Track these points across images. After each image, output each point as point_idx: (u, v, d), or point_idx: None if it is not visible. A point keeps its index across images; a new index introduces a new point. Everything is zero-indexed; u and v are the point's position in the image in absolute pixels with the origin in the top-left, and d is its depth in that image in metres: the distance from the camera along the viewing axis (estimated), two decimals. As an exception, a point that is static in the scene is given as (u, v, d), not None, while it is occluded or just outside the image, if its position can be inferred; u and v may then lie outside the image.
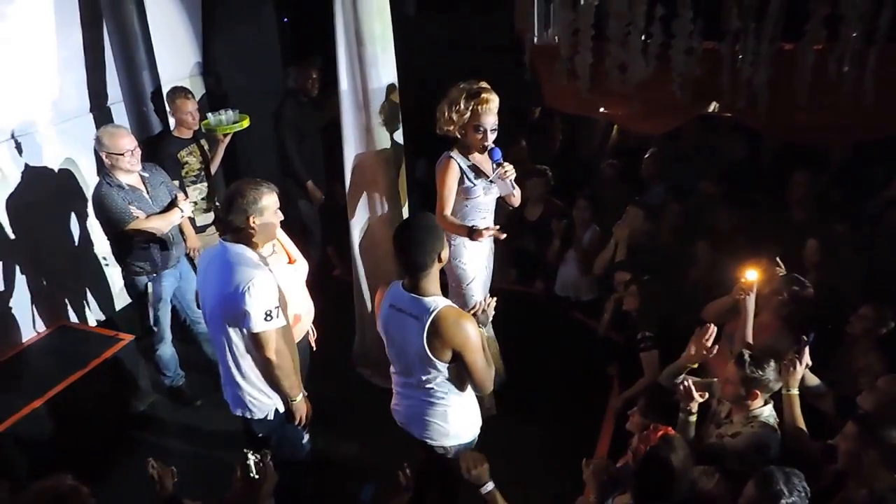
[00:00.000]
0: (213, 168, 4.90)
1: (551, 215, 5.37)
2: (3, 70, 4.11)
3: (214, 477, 3.53)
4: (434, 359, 2.67)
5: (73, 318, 4.84)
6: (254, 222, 2.84)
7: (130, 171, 3.93)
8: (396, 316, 2.74)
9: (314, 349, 3.76)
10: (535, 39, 4.57)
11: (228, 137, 4.80)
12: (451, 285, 3.91)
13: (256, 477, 2.67)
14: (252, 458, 2.70)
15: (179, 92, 4.68)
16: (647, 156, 5.49)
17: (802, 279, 3.56)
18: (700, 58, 4.77)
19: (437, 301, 2.66)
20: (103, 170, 3.92)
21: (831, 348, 3.55)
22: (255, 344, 2.87)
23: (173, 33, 5.39)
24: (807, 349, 3.00)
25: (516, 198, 3.75)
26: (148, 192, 4.03)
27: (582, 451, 3.84)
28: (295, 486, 3.22)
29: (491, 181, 3.67)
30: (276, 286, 2.87)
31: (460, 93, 3.51)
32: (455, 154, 3.66)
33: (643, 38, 4.87)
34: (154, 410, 4.57)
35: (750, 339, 3.41)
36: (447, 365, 2.71)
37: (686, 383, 3.08)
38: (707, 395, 3.10)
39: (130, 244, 4.00)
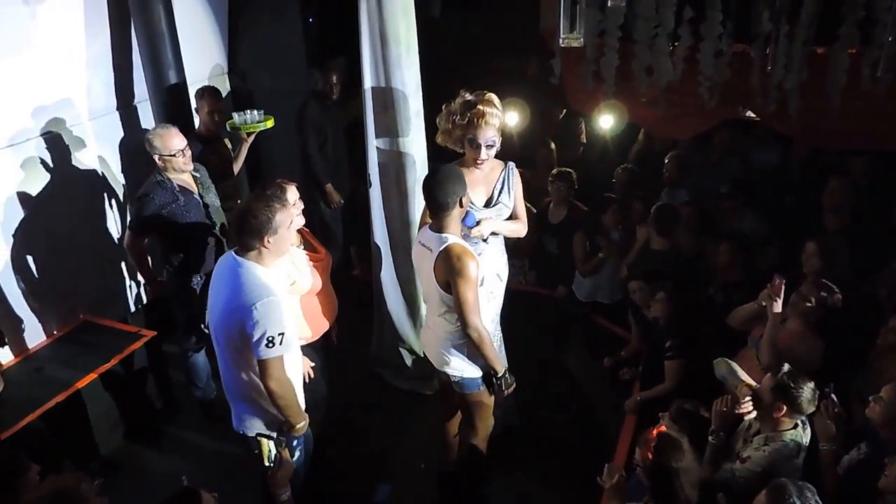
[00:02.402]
0: (237, 167, 4.93)
1: (575, 218, 5.31)
2: (33, 69, 4.16)
3: (234, 470, 3.57)
4: (440, 289, 3.06)
5: (96, 314, 4.89)
6: (268, 241, 2.79)
7: (183, 171, 3.95)
8: (422, 251, 3.15)
9: (335, 343, 3.75)
10: (561, 41, 4.51)
11: (252, 137, 4.82)
12: None
13: (270, 465, 2.68)
14: (267, 446, 2.70)
15: (207, 91, 4.72)
16: (667, 159, 5.39)
17: (831, 285, 3.47)
18: (729, 61, 4.69)
19: (450, 238, 3.03)
20: (155, 170, 3.93)
21: (859, 360, 3.46)
22: (259, 369, 2.81)
23: (199, 33, 5.43)
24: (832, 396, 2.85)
25: (512, 234, 3.56)
26: (199, 193, 4.05)
27: (601, 455, 3.82)
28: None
29: (493, 193, 3.47)
30: (284, 310, 2.79)
31: (460, 103, 3.32)
32: None
33: (671, 40, 4.79)
34: (177, 404, 4.62)
35: (776, 345, 3.34)
36: (450, 296, 3.02)
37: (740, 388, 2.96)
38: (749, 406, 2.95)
39: (179, 245, 3.99)
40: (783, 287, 3.33)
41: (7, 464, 2.91)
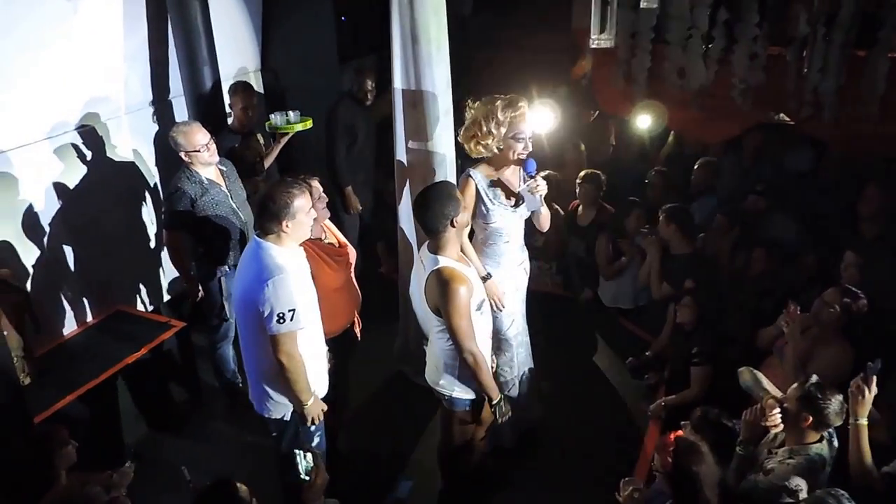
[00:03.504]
0: (267, 163, 4.98)
1: (602, 220, 5.27)
2: (72, 63, 4.26)
3: (258, 460, 3.61)
4: (429, 310, 3.00)
5: (128, 304, 4.98)
6: (286, 226, 2.85)
7: (209, 165, 4.01)
8: (419, 267, 3.11)
9: (358, 339, 3.78)
10: (593, 41, 4.48)
11: (287, 137, 4.87)
12: None
13: (306, 478, 2.71)
14: (302, 460, 2.73)
15: (240, 87, 4.78)
16: (697, 165, 5.31)
17: (855, 290, 3.41)
18: (763, 64, 4.62)
19: (441, 261, 2.93)
20: (182, 165, 3.99)
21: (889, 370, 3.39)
22: (271, 344, 2.87)
23: (234, 30, 5.51)
24: (874, 376, 2.84)
25: (544, 218, 3.61)
26: (226, 186, 4.11)
27: (624, 460, 3.79)
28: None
29: (520, 193, 3.51)
30: (297, 289, 2.84)
31: (494, 106, 3.34)
32: (475, 173, 3.51)
33: (704, 42, 4.75)
34: (203, 394, 4.69)
35: (800, 359, 3.33)
36: (441, 319, 2.96)
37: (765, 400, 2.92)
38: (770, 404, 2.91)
39: (206, 237, 4.04)
40: (798, 312, 3.35)
41: (47, 436, 3.02)
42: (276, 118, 4.76)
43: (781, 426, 2.86)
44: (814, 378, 2.78)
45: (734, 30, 4.60)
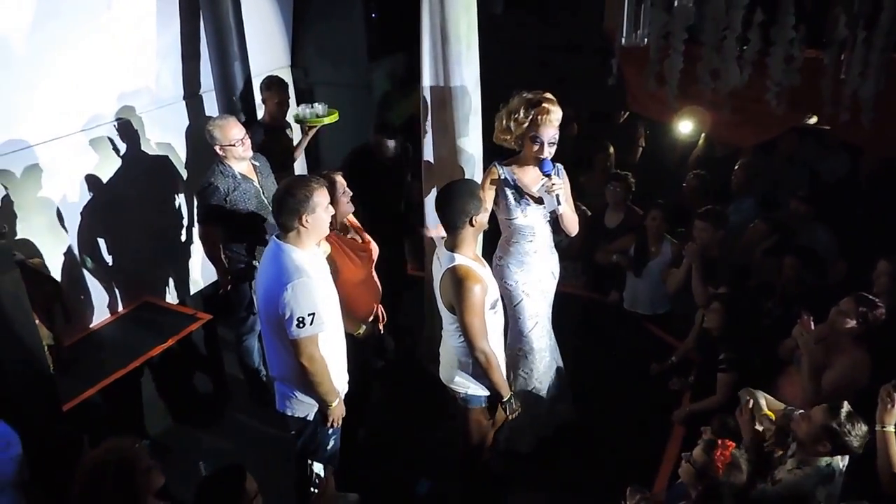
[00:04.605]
0: (296, 156, 5.01)
1: (631, 223, 5.20)
2: (107, 57, 4.32)
3: (279, 454, 3.63)
4: (444, 307, 3.04)
5: (156, 296, 5.05)
6: (306, 221, 2.83)
7: (242, 159, 4.04)
8: (436, 263, 3.13)
9: (381, 332, 3.77)
10: (623, 41, 4.42)
11: (314, 130, 4.89)
12: (503, 302, 3.84)
13: (315, 491, 2.71)
14: (314, 471, 2.73)
15: (274, 82, 4.81)
16: (737, 167, 5.21)
17: (872, 298, 3.33)
18: (800, 67, 4.51)
19: (458, 259, 2.95)
20: (216, 159, 4.04)
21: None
22: (293, 347, 2.87)
23: (265, 26, 5.55)
24: None
25: (569, 220, 3.58)
26: (258, 181, 4.14)
27: (646, 465, 3.75)
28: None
29: (535, 192, 3.51)
30: (317, 292, 2.84)
31: (521, 101, 3.38)
32: (501, 166, 3.55)
33: (739, 43, 4.65)
34: (228, 387, 4.73)
35: (816, 373, 3.31)
36: (454, 316, 2.99)
37: (751, 404, 2.95)
38: (764, 425, 2.96)
39: (237, 231, 4.08)
40: (811, 323, 3.31)
41: (68, 444, 3.05)
42: (304, 110, 4.78)
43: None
44: (845, 407, 2.68)
45: (770, 32, 4.49)
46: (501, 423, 3.43)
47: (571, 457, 4.00)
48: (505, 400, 3.16)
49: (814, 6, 4.53)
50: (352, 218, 3.66)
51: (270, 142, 4.72)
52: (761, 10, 4.47)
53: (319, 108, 4.81)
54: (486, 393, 3.20)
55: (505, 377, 3.18)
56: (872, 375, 3.26)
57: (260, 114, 4.96)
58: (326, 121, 4.81)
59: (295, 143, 5.06)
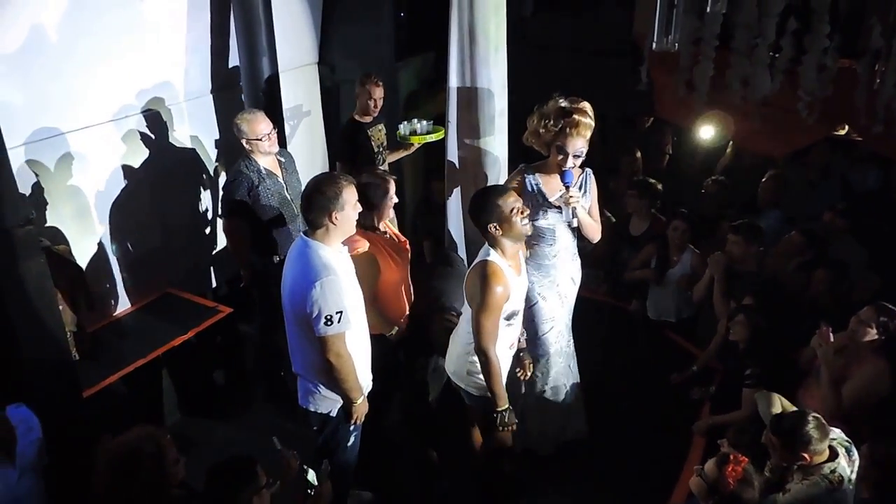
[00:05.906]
0: (389, 160, 5.03)
1: (656, 231, 5.12)
2: (137, 48, 4.36)
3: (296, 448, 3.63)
4: (466, 298, 3.06)
5: (178, 287, 5.08)
6: (335, 218, 2.82)
7: (268, 154, 4.06)
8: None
9: (405, 334, 3.77)
10: (654, 46, 4.38)
11: (414, 147, 4.91)
12: None
13: (311, 493, 2.71)
14: (310, 476, 2.74)
15: (372, 77, 4.83)
16: (766, 177, 5.09)
17: (893, 308, 3.27)
18: (833, 76, 4.44)
19: (492, 255, 2.99)
20: (242, 153, 4.05)
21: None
22: (320, 344, 2.87)
23: (294, 22, 5.56)
24: None
25: (589, 228, 3.54)
26: (282, 177, 4.15)
27: (665, 476, 3.70)
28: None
29: (552, 202, 3.46)
30: (344, 290, 2.83)
31: (554, 108, 3.32)
32: (529, 169, 3.53)
33: (771, 51, 4.58)
34: (246, 380, 4.76)
35: (835, 383, 3.26)
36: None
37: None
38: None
39: (260, 226, 4.09)
40: (830, 334, 3.25)
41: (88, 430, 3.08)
42: (404, 127, 4.83)
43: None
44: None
45: (804, 40, 4.42)
46: (494, 433, 3.29)
47: (589, 465, 3.95)
48: (499, 409, 3.09)
49: (848, 15, 4.45)
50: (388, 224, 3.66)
51: (360, 136, 4.76)
52: (795, 19, 4.41)
53: (425, 124, 4.80)
54: (485, 395, 3.16)
55: (504, 388, 3.11)
56: (894, 385, 3.20)
57: (286, 107, 4.97)
58: (430, 138, 4.79)
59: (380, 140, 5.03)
